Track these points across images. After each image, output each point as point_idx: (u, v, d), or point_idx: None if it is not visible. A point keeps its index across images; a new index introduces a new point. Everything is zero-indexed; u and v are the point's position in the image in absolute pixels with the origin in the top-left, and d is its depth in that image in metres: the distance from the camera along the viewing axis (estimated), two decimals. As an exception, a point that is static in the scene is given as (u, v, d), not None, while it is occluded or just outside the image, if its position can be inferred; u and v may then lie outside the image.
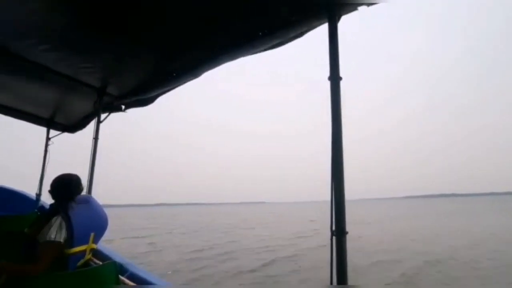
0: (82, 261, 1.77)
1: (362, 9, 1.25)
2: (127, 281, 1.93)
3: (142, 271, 2.06)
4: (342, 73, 1.19)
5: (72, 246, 1.63)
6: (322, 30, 1.38)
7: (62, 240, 1.57)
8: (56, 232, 1.56)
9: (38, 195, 3.51)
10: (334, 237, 1.10)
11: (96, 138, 2.71)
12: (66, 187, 1.80)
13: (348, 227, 1.11)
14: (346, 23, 1.35)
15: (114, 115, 2.91)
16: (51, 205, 1.86)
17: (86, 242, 1.77)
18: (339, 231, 1.09)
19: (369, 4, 1.22)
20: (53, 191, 1.79)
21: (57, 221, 1.60)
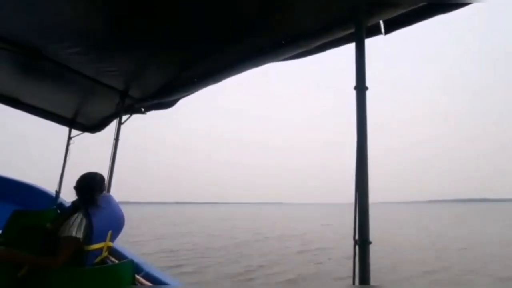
0: (99, 258, 1.79)
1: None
2: (142, 280, 1.93)
3: (157, 271, 2.06)
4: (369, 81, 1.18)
5: (91, 243, 1.66)
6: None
7: (81, 237, 1.60)
8: (76, 228, 1.59)
9: (58, 192, 3.64)
10: (357, 247, 1.08)
11: (117, 139, 2.77)
12: (90, 185, 1.84)
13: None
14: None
15: (137, 120, 2.97)
16: (73, 202, 1.91)
17: (104, 239, 1.79)
18: (362, 241, 1.07)
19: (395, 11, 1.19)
20: (78, 188, 1.83)
21: (78, 218, 1.63)
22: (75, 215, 1.66)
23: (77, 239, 1.58)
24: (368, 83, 1.17)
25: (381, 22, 1.30)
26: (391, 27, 1.32)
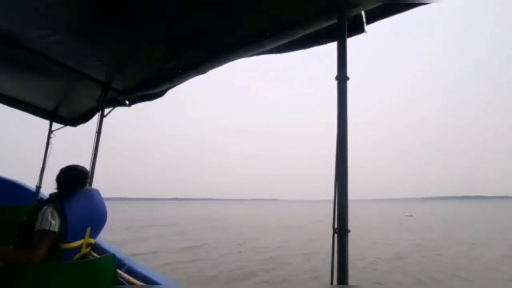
0: (78, 255, 1.74)
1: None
2: (124, 275, 1.90)
3: (140, 266, 2.03)
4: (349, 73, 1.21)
5: (67, 240, 1.60)
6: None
7: (55, 229, 1.53)
8: (47, 220, 1.53)
9: (38, 187, 3.50)
10: (336, 235, 1.12)
11: (99, 132, 2.70)
12: (69, 178, 1.78)
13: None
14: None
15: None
16: (50, 194, 1.85)
17: (82, 236, 1.72)
18: (341, 230, 1.10)
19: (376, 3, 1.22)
20: (57, 180, 1.78)
21: (48, 210, 1.57)
22: (45, 207, 1.57)
23: (50, 232, 1.51)
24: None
25: (362, 12, 1.32)
26: (372, 17, 1.34)
